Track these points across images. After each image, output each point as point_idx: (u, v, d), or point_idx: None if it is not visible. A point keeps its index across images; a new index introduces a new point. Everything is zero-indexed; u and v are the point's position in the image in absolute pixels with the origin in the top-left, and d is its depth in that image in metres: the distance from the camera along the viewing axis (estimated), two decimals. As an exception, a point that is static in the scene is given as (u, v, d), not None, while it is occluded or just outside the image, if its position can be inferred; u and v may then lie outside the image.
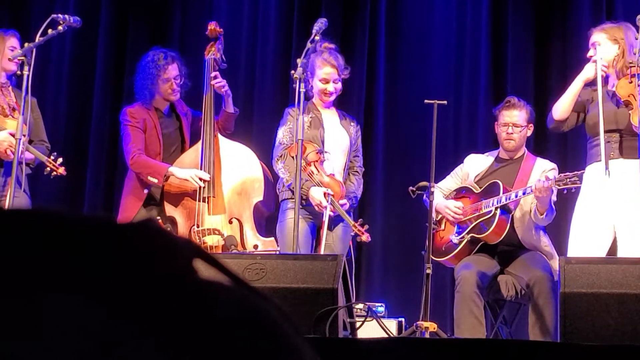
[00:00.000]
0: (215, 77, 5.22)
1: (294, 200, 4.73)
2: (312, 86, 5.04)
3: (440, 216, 5.03)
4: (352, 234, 4.88)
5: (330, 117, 5.09)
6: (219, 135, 5.24)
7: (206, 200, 5.07)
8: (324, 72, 4.98)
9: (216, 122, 5.29)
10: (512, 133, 4.95)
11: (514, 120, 4.95)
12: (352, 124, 5.14)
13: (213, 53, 5.31)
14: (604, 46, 4.58)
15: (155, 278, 0.45)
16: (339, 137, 5.04)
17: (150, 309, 0.44)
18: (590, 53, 4.63)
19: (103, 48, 6.66)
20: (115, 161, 6.47)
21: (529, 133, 5.04)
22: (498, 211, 4.76)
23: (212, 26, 5.39)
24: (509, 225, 4.79)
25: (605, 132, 4.47)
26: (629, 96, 4.37)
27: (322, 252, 4.61)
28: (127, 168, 5.24)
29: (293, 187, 4.75)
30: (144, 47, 6.01)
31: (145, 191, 5.13)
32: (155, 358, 0.42)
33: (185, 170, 5.05)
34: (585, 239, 4.46)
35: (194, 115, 5.35)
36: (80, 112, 6.61)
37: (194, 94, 5.41)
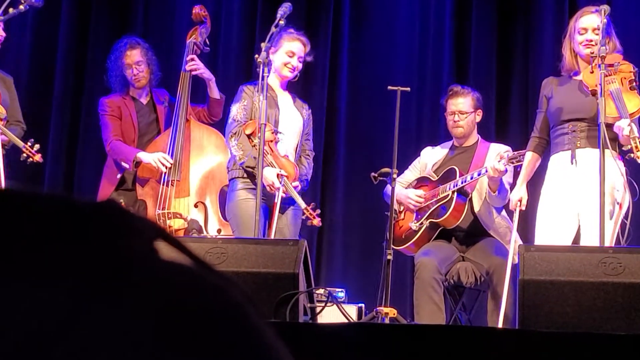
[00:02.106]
0: (191, 60, 5.20)
1: (245, 180, 4.71)
2: (271, 63, 4.95)
3: (402, 207, 5.06)
4: (303, 217, 4.77)
5: (285, 98, 5.04)
6: (192, 119, 5.22)
7: (173, 183, 5.06)
8: (294, 45, 4.91)
9: (201, 110, 5.28)
10: (458, 120, 5.03)
11: (459, 107, 5.03)
12: (304, 106, 5.10)
13: (194, 37, 5.27)
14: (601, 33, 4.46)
15: (115, 257, 0.45)
16: (292, 119, 4.99)
17: (108, 287, 0.43)
18: (588, 37, 4.48)
19: (65, 28, 6.56)
20: (74, 144, 6.40)
21: (478, 119, 5.11)
22: (455, 194, 4.82)
23: (196, 9, 5.35)
24: (466, 208, 4.84)
25: (572, 120, 4.46)
26: (595, 85, 4.31)
27: (272, 235, 4.52)
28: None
29: (246, 166, 4.70)
30: (107, 31, 5.95)
31: (118, 175, 5.16)
32: (113, 337, 0.42)
33: (151, 155, 5.04)
34: (551, 228, 4.46)
35: (173, 102, 5.31)
36: (40, 95, 6.50)
37: (175, 80, 5.36)
